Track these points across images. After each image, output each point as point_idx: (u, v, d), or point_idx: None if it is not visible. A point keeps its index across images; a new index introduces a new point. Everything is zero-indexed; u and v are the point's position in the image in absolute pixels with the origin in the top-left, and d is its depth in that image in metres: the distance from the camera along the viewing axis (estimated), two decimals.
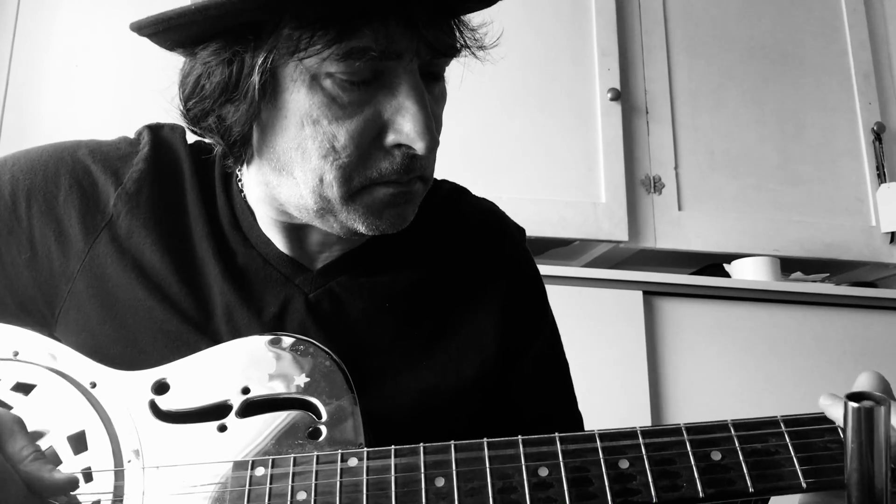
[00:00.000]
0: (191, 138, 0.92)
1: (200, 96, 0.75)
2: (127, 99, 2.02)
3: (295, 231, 0.85)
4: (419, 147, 0.73)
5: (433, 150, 0.74)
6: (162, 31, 0.72)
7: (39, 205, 0.84)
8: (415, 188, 0.78)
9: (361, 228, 0.77)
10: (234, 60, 0.72)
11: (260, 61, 0.71)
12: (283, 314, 0.84)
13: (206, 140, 0.85)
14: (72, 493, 0.65)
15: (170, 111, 0.80)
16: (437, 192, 0.97)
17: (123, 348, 0.82)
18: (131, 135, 0.92)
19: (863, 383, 0.66)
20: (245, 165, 0.83)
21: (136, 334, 0.82)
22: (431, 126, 0.73)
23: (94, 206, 0.85)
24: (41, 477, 0.63)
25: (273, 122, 0.75)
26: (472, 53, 0.79)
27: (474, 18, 0.79)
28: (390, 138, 0.74)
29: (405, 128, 0.72)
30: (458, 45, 0.77)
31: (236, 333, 0.82)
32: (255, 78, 0.71)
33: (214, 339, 0.81)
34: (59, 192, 0.85)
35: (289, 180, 0.77)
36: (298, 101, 0.73)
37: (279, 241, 0.86)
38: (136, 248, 0.84)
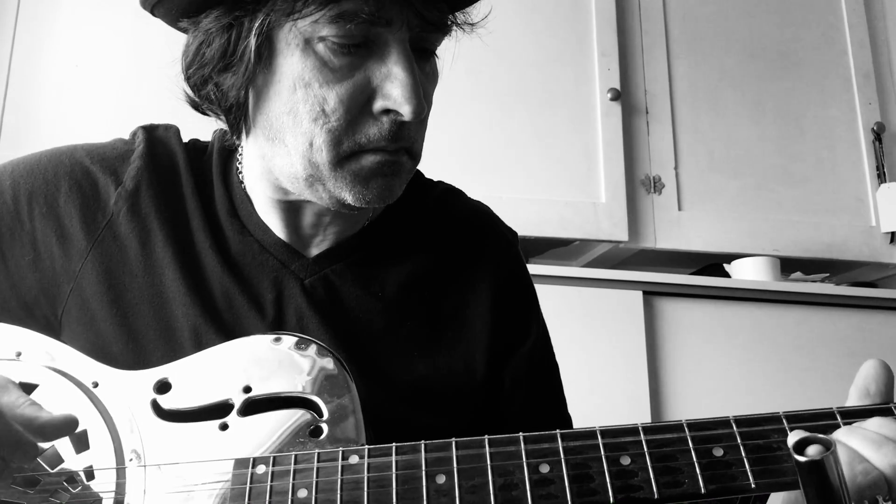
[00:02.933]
0: (185, 137, 0.94)
1: (200, 63, 0.78)
2: (127, 99, 2.02)
3: (291, 211, 0.87)
4: (406, 112, 0.74)
5: (420, 115, 0.75)
6: None
7: (41, 207, 0.86)
8: (402, 160, 0.79)
9: (349, 198, 0.79)
10: (233, 25, 0.75)
11: (257, 24, 0.73)
12: (280, 299, 0.86)
13: (203, 124, 0.88)
14: (71, 433, 0.66)
15: (172, 89, 0.82)
16: (432, 191, 0.99)
17: (126, 345, 0.83)
18: (126, 136, 0.94)
19: (867, 372, 0.66)
20: (244, 137, 0.85)
21: (138, 329, 0.83)
22: (419, 92, 0.75)
23: (95, 205, 0.87)
24: (37, 416, 0.64)
25: (267, 87, 0.77)
26: (462, 29, 0.81)
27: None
28: (378, 104, 0.75)
29: (393, 93, 0.74)
30: (449, 21, 0.79)
31: (237, 320, 0.84)
32: (252, 41, 0.74)
33: (216, 328, 0.82)
34: (59, 194, 0.86)
35: (281, 148, 0.79)
36: (292, 64, 0.75)
37: (276, 226, 0.88)
38: (137, 243, 0.85)
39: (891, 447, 0.58)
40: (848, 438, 0.60)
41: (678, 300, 2.11)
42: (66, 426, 0.65)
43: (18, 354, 0.77)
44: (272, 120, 0.78)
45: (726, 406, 2.03)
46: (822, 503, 0.47)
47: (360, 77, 0.75)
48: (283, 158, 0.79)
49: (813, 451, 0.48)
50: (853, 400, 0.66)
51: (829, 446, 0.48)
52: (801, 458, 0.48)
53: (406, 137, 0.78)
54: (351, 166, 0.77)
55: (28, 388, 0.74)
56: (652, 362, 2.03)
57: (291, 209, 0.87)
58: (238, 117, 0.81)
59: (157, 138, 0.92)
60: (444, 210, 0.97)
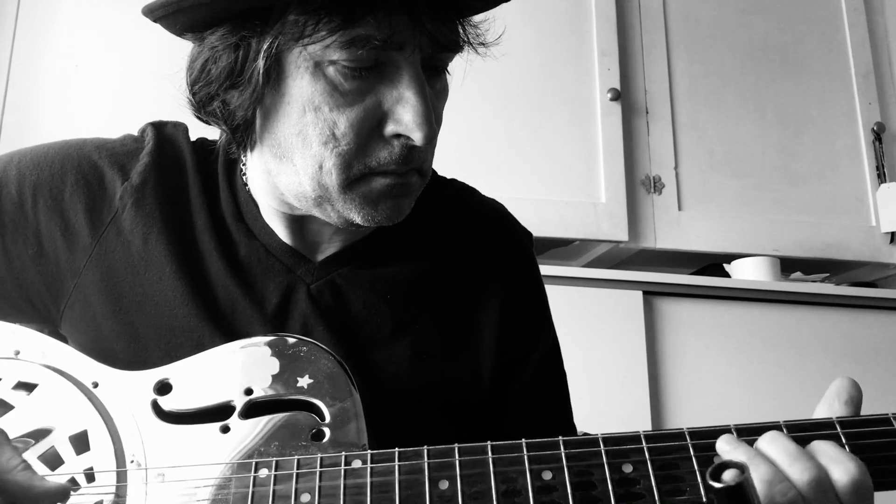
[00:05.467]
0: (193, 135, 0.93)
1: (206, 80, 0.77)
2: (127, 99, 2.02)
3: (297, 221, 0.86)
4: (417, 138, 0.73)
5: (431, 142, 0.75)
6: (172, 13, 0.73)
7: (45, 200, 0.85)
8: (412, 181, 0.79)
9: (358, 219, 0.78)
10: (240, 45, 0.73)
11: (265, 46, 0.72)
12: (286, 304, 0.85)
13: (210, 127, 0.86)
14: (64, 501, 0.65)
15: (175, 96, 0.81)
16: (445, 189, 0.97)
17: (127, 343, 0.82)
18: (135, 133, 0.93)
19: (836, 390, 0.65)
20: (248, 152, 0.84)
21: (140, 328, 0.83)
22: (430, 117, 0.74)
23: (101, 200, 0.86)
24: (32, 485, 0.63)
25: (276, 107, 0.76)
26: (474, 49, 0.80)
27: (475, 16, 0.80)
28: (390, 128, 0.75)
29: (405, 118, 0.73)
30: (461, 41, 0.78)
31: (240, 324, 0.83)
32: (260, 63, 0.72)
33: (218, 331, 0.82)
34: (65, 188, 0.85)
35: (289, 167, 0.78)
36: (301, 87, 0.74)
37: (282, 232, 0.87)
38: (140, 239, 0.85)
39: (803, 464, 0.58)
40: (762, 460, 0.59)
41: (678, 300, 2.11)
42: (60, 495, 0.65)
43: (17, 353, 0.77)
44: (280, 140, 0.77)
45: (726, 406, 2.03)
46: None
47: (370, 101, 0.74)
48: (290, 177, 0.78)
49: (729, 476, 0.50)
50: (822, 412, 0.65)
51: (743, 470, 0.50)
52: (716, 485, 0.50)
53: (416, 159, 0.77)
54: (361, 189, 0.77)
55: (27, 387, 0.74)
56: (652, 362, 2.03)
57: (297, 220, 0.86)
58: (245, 135, 0.80)
59: (165, 136, 0.91)
60: (456, 210, 0.96)
